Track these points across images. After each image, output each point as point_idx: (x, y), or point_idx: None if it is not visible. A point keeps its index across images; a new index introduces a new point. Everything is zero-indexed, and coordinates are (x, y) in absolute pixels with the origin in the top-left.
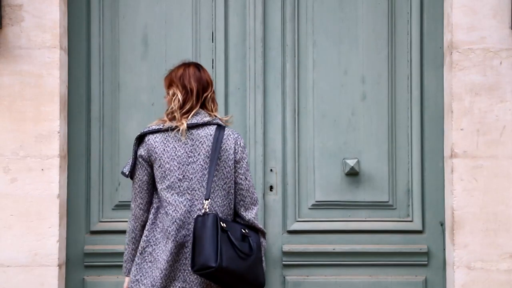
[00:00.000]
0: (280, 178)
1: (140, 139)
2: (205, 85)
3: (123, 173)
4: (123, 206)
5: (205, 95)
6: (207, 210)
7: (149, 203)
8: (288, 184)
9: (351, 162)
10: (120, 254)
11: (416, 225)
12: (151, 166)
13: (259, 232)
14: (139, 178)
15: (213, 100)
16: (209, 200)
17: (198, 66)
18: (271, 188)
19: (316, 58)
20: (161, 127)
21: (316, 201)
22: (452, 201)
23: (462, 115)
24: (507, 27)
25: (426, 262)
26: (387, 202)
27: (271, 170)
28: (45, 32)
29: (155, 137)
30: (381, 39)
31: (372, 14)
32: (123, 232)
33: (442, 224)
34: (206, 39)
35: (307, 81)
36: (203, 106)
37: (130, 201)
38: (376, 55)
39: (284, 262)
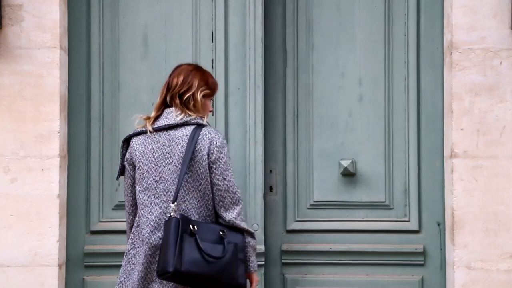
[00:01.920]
0: (280, 179)
1: (127, 142)
2: (186, 83)
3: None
4: (123, 206)
5: (180, 92)
6: (172, 213)
7: (135, 205)
8: (288, 185)
9: (349, 163)
10: (120, 254)
11: (413, 225)
12: (134, 169)
13: (244, 232)
14: (125, 182)
15: (196, 101)
16: (176, 203)
17: (187, 64)
18: (270, 188)
19: (314, 61)
20: (143, 129)
21: (314, 201)
22: (452, 201)
23: (462, 115)
24: (507, 27)
25: (422, 262)
26: (384, 202)
27: (270, 171)
28: (45, 32)
29: (137, 140)
30: (378, 41)
31: (369, 16)
32: (123, 232)
33: (439, 224)
34: (206, 39)
35: (307, 84)
36: (182, 105)
37: None
38: (373, 57)
39: (283, 261)
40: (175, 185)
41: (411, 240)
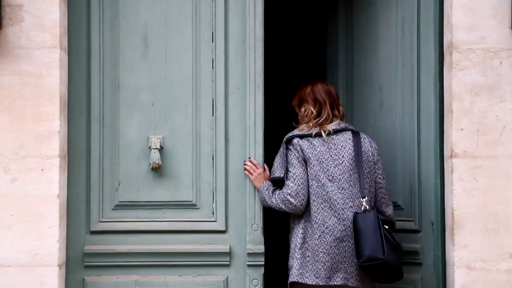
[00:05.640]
0: None
1: (288, 142)
2: (335, 97)
3: (277, 179)
4: (123, 206)
5: (336, 105)
6: (367, 207)
7: (307, 195)
8: None
9: None
10: (120, 254)
11: (415, 224)
12: (307, 164)
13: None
14: (301, 176)
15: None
16: (366, 198)
17: (323, 82)
18: None
19: (354, 74)
20: (305, 132)
21: None
22: (452, 201)
23: (462, 115)
24: (507, 27)
25: (420, 261)
26: (396, 202)
27: None
28: (45, 32)
29: (303, 141)
30: (392, 49)
31: (387, 26)
32: (123, 232)
33: (433, 224)
34: (206, 39)
35: (349, 94)
36: (339, 114)
37: (130, 201)
38: (389, 64)
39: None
40: (348, 183)
41: (412, 239)
